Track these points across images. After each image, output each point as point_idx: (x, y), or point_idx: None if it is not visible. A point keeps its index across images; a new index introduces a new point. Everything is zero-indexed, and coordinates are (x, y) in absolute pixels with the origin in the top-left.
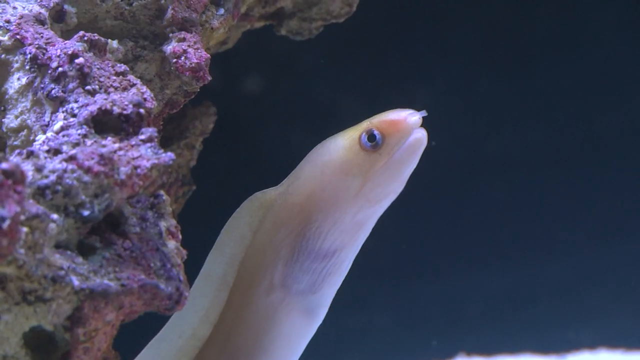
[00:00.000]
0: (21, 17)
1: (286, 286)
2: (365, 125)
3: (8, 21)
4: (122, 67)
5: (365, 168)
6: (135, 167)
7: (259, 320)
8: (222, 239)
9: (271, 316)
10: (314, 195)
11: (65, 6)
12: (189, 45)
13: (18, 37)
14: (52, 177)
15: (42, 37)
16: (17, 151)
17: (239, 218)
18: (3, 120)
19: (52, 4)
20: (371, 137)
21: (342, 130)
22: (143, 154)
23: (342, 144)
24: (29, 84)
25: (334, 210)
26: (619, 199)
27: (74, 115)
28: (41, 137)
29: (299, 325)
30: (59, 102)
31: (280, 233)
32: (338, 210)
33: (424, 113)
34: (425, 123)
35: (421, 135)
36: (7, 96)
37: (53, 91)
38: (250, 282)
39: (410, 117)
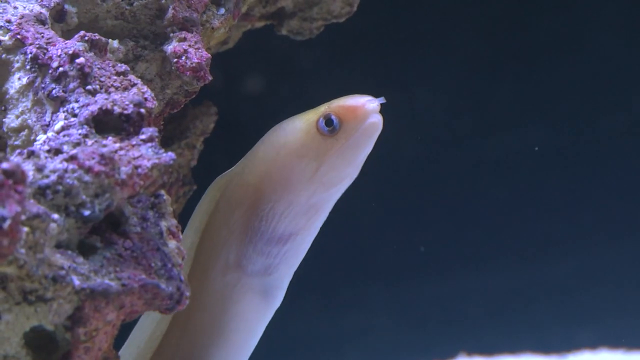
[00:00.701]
0: (22, 16)
1: (241, 266)
2: (323, 109)
3: (9, 21)
4: (123, 67)
5: (321, 152)
6: (136, 167)
7: (216, 302)
8: (186, 230)
9: (227, 297)
10: (269, 176)
11: (66, 6)
12: (189, 45)
13: (19, 36)
14: (53, 177)
15: (42, 37)
16: (17, 151)
17: (200, 205)
18: (4, 120)
19: (52, 4)
20: (329, 121)
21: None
22: (144, 153)
23: (300, 127)
24: (30, 83)
25: (288, 192)
26: (620, 198)
27: (75, 115)
28: (42, 137)
29: (256, 306)
30: (59, 102)
31: (235, 213)
32: (292, 192)
33: (382, 100)
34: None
35: (377, 119)
36: (7, 96)
37: (54, 91)
38: (206, 265)
39: (369, 104)
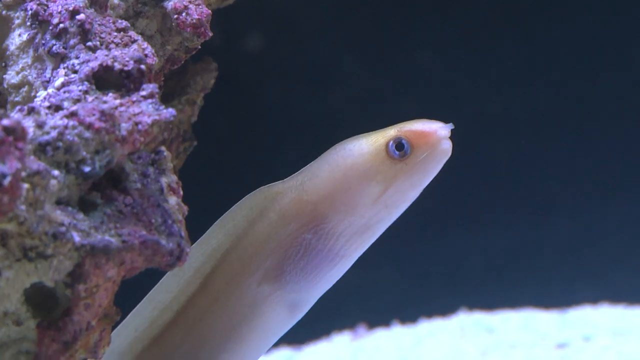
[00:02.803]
0: None
1: (282, 280)
2: (393, 132)
3: None
4: (123, 24)
5: (389, 175)
6: (137, 123)
7: (242, 309)
8: (213, 231)
9: (257, 306)
10: (332, 196)
11: None
12: (190, 1)
13: None
14: (53, 134)
15: None
16: (18, 107)
17: (237, 210)
18: (4, 76)
19: None
20: (399, 145)
21: (361, 132)
22: (144, 110)
23: (368, 149)
24: (30, 40)
25: (352, 213)
26: (621, 156)
27: (75, 72)
28: (42, 93)
29: (282, 319)
30: (60, 59)
31: (288, 227)
32: (355, 213)
33: (451, 126)
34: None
35: (448, 146)
36: (8, 52)
37: (54, 47)
38: (239, 270)
39: (440, 130)
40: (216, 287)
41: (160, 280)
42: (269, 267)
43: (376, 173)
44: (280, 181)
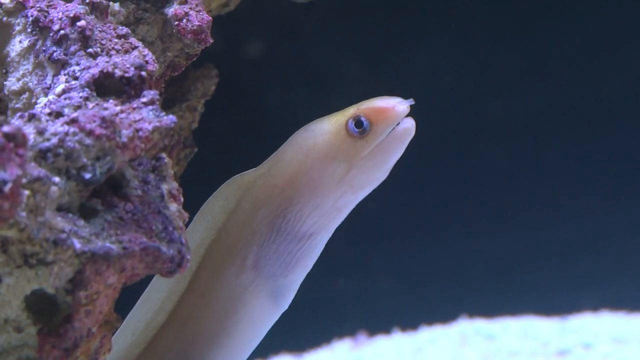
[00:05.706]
0: None
1: (258, 268)
2: (352, 111)
3: None
4: (124, 30)
5: (351, 154)
6: (137, 130)
7: (226, 302)
8: (194, 225)
9: (239, 298)
10: (297, 178)
11: None
12: (190, 8)
13: None
14: (54, 140)
15: None
16: (18, 114)
17: (214, 202)
18: (5, 82)
19: None
20: (358, 123)
21: (330, 112)
22: (145, 116)
23: (328, 129)
24: (31, 46)
25: (317, 194)
26: (622, 161)
27: (76, 78)
28: (43, 100)
29: (266, 308)
30: (60, 65)
31: (259, 214)
32: (321, 194)
33: (411, 101)
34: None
35: (410, 125)
36: (8, 59)
37: (55, 54)
38: (220, 264)
39: (398, 106)
40: (201, 283)
41: (153, 279)
42: (245, 256)
43: (337, 152)
44: (253, 169)
